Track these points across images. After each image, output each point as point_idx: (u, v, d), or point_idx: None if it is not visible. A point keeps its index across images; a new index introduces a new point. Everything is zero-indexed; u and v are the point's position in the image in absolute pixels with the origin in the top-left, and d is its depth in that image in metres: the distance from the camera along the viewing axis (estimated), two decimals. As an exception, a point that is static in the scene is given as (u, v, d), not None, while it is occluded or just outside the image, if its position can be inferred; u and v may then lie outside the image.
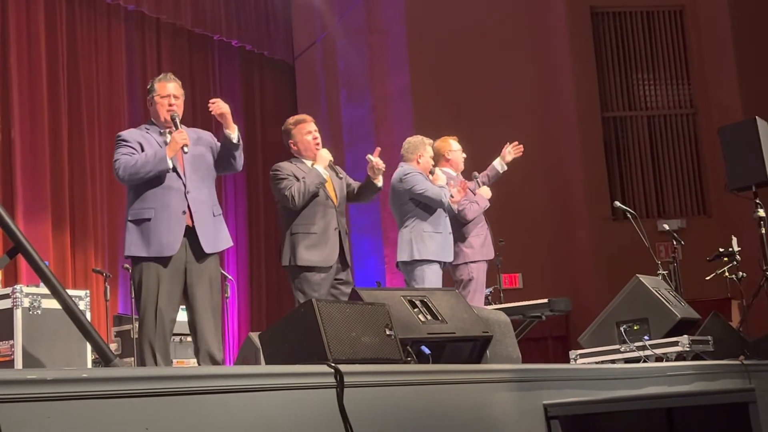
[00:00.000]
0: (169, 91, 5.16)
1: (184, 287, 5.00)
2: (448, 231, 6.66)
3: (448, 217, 6.71)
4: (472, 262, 6.93)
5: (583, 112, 12.15)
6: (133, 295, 7.68)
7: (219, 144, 5.32)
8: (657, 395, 4.42)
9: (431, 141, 6.93)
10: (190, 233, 4.99)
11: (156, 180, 4.98)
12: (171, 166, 4.97)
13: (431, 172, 6.74)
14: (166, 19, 11.33)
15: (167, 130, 5.12)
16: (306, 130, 5.98)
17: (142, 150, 5.02)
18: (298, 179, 5.77)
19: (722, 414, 3.84)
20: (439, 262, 6.57)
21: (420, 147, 6.79)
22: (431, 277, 6.46)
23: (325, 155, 5.88)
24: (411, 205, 6.61)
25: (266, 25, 12.93)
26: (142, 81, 10.98)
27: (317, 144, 5.98)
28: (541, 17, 12.45)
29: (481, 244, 7.03)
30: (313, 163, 5.87)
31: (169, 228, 4.94)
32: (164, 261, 4.94)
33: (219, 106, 5.15)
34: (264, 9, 12.92)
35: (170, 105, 5.13)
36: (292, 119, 6.12)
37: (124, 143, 5.06)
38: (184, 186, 5.03)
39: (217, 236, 5.12)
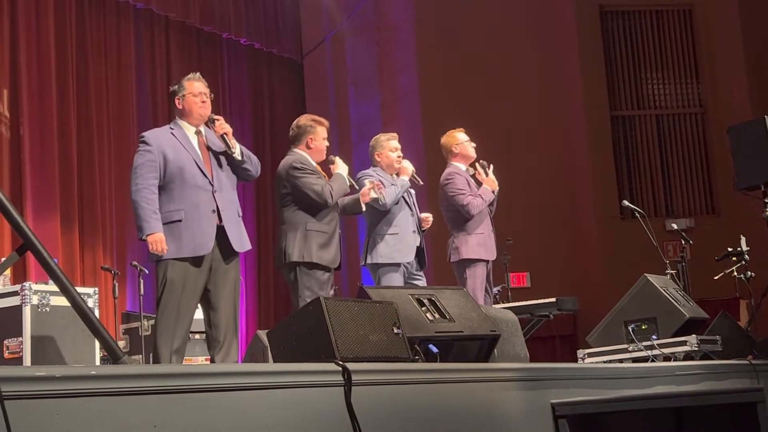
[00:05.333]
0: (201, 89, 5.22)
1: (205, 285, 5.03)
2: (409, 230, 6.53)
3: (413, 215, 6.59)
4: (467, 260, 6.81)
5: (592, 111, 12.13)
6: (142, 292, 7.76)
7: None
8: (665, 395, 4.42)
9: (392, 135, 6.81)
10: (219, 232, 5.02)
11: (182, 179, 5.01)
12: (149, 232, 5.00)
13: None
14: (175, 17, 11.34)
15: (196, 128, 5.21)
16: (325, 135, 6.06)
17: (164, 159, 5.03)
18: (320, 177, 5.87)
19: (730, 413, 3.84)
20: (396, 264, 6.46)
21: (377, 146, 6.73)
22: (389, 282, 6.38)
23: (344, 164, 6.02)
24: (368, 208, 6.50)
25: (275, 23, 12.94)
26: (151, 78, 11.01)
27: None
28: (550, 16, 12.43)
29: (478, 242, 6.84)
30: (332, 168, 6.00)
31: (201, 227, 4.97)
32: (194, 260, 4.96)
33: (223, 126, 5.17)
34: (273, 7, 12.92)
35: (203, 102, 5.21)
36: (312, 116, 6.15)
37: (147, 151, 5.06)
38: (212, 186, 5.05)
39: (242, 236, 5.17)
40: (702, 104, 12.54)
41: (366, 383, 3.09)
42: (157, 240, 4.90)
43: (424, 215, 6.70)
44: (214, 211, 5.03)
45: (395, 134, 6.85)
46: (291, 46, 13.29)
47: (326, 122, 6.14)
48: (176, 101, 5.25)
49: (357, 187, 6.10)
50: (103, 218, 10.07)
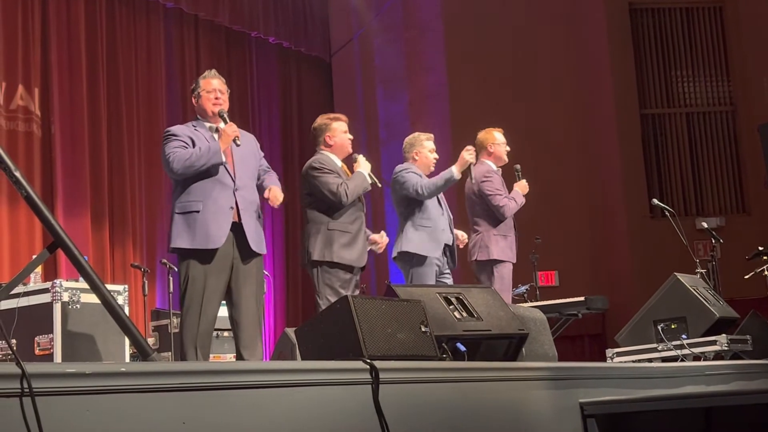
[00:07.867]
0: (214, 86, 5.21)
1: (227, 283, 5.05)
2: (440, 228, 6.51)
3: (443, 214, 6.58)
4: (496, 260, 6.80)
5: (622, 109, 12.07)
6: (171, 290, 7.80)
7: (261, 154, 5.44)
8: (694, 395, 4.39)
9: (430, 135, 6.82)
10: (237, 230, 5.02)
11: (206, 174, 5.01)
12: (224, 159, 5.02)
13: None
14: (204, 16, 11.39)
15: (216, 126, 5.18)
16: (344, 129, 6.01)
17: (193, 145, 5.06)
18: (340, 176, 5.81)
19: (761, 414, 3.80)
20: (426, 257, 6.41)
21: (416, 145, 6.71)
22: (422, 277, 6.37)
23: (366, 163, 5.95)
24: (404, 201, 6.56)
25: (303, 22, 12.96)
26: (181, 77, 11.06)
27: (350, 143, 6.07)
28: (579, 13, 12.37)
29: (507, 245, 6.86)
30: (354, 167, 5.93)
31: (217, 221, 4.97)
32: (211, 255, 4.96)
33: (277, 198, 5.25)
34: (301, 6, 12.95)
35: (216, 98, 5.19)
36: (326, 115, 6.15)
37: (175, 137, 5.08)
38: (234, 182, 5.07)
39: (260, 237, 5.16)
40: (732, 102, 12.44)
41: (394, 381, 3.10)
42: (226, 132, 5.03)
43: (459, 233, 6.67)
44: (232, 208, 5.03)
45: (431, 135, 6.85)
46: (319, 44, 13.31)
47: (343, 116, 6.10)
48: (193, 100, 5.28)
49: (380, 184, 6.07)
50: (133, 216, 10.13)
